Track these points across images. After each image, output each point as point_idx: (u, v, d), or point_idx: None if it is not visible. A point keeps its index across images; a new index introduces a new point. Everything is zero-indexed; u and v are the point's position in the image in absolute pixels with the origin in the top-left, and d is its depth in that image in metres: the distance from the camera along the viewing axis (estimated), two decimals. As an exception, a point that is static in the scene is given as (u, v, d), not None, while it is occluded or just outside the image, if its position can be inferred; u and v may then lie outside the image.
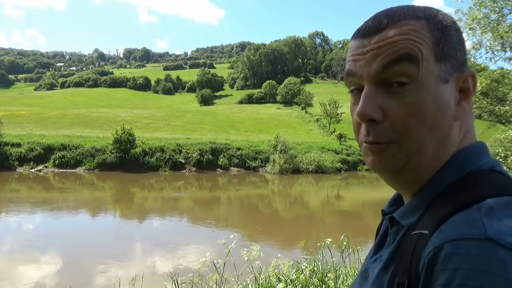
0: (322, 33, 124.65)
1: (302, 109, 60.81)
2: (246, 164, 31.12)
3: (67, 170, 27.76)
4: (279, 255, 4.64)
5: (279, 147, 29.93)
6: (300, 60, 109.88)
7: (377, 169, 0.62)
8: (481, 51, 7.99)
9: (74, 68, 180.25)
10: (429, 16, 0.60)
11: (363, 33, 0.62)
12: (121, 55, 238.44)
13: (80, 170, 27.96)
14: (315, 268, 4.35)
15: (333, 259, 4.77)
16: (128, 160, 28.73)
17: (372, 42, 0.60)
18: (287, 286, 3.92)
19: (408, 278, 0.53)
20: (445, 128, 0.59)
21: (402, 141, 0.59)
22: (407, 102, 0.58)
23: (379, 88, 0.60)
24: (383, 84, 0.59)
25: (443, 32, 0.60)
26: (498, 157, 9.91)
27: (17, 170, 27.07)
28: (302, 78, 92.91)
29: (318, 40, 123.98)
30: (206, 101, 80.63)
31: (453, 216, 0.52)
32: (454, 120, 0.60)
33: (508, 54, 7.85)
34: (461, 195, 0.55)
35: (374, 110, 0.59)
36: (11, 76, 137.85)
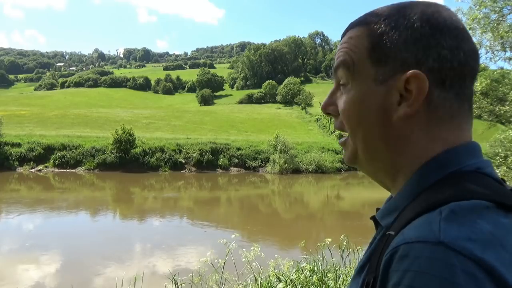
0: (322, 33, 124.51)
1: (302, 109, 60.79)
2: (246, 164, 31.10)
3: (67, 170, 27.76)
4: (277, 255, 4.64)
5: (279, 147, 29.91)
6: (300, 60, 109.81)
7: (345, 161, 0.71)
8: (481, 51, 7.99)
9: (74, 68, 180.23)
10: (375, 20, 0.63)
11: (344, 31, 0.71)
12: (121, 55, 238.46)
13: (80, 170, 27.95)
14: (315, 268, 4.35)
15: (333, 259, 4.77)
16: (128, 160, 28.72)
17: (341, 43, 0.70)
18: (287, 286, 3.92)
19: (374, 277, 0.54)
20: (382, 127, 0.62)
21: (349, 135, 0.67)
22: (344, 101, 0.66)
23: (338, 87, 0.69)
24: (339, 84, 0.69)
25: (382, 36, 0.61)
26: (498, 157, 9.92)
27: (17, 170, 27.06)
28: (302, 78, 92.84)
29: (318, 40, 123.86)
30: (206, 101, 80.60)
31: (416, 218, 0.52)
32: (394, 120, 0.61)
33: (508, 54, 7.85)
34: (430, 197, 0.55)
35: (329, 105, 0.70)
36: (11, 76, 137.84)
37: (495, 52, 7.87)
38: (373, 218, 0.70)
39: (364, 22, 0.64)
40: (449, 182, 0.56)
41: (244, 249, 4.32)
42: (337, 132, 39.74)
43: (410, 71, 0.59)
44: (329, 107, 0.70)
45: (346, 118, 0.66)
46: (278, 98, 72.58)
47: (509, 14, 7.58)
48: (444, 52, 0.59)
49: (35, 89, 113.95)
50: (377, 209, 0.73)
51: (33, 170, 27.28)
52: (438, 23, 0.60)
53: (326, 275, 4.14)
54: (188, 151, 30.46)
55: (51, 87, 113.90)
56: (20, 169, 27.15)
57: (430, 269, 0.45)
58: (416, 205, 0.55)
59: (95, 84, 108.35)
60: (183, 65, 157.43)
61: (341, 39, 0.70)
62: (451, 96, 0.60)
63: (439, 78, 0.59)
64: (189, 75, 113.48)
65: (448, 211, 0.50)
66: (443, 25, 0.60)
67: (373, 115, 0.62)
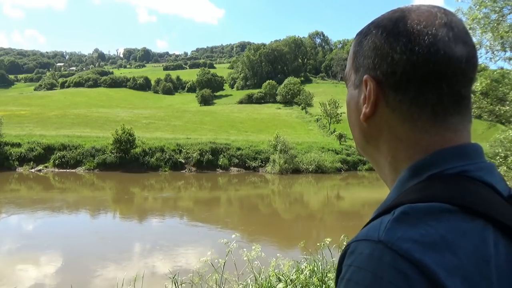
0: (322, 33, 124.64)
1: (302, 109, 60.82)
2: (246, 164, 31.11)
3: (67, 170, 27.76)
4: (279, 255, 4.64)
5: (279, 147, 29.92)
6: (300, 60, 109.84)
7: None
8: (481, 51, 8.00)
9: (74, 68, 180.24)
10: (361, 31, 0.69)
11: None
12: (121, 55, 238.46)
13: (80, 170, 27.96)
14: (315, 268, 4.35)
15: (333, 259, 4.77)
16: (128, 160, 28.73)
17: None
18: (287, 286, 3.92)
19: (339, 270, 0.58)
20: (359, 126, 0.68)
21: None
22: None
23: None
24: None
25: (359, 45, 0.68)
26: (498, 157, 9.91)
27: (17, 170, 27.07)
28: (302, 78, 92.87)
29: (318, 40, 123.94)
30: (206, 101, 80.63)
31: (376, 219, 0.55)
32: (364, 120, 0.66)
33: (508, 54, 7.86)
34: (396, 200, 0.56)
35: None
36: (11, 76, 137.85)
37: (495, 52, 7.88)
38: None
39: (358, 33, 0.70)
40: (421, 186, 0.56)
41: (244, 249, 4.32)
42: (337, 132, 39.80)
43: (366, 76, 0.64)
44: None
45: (348, 117, 0.75)
46: (278, 98, 72.61)
47: (509, 14, 7.59)
48: (397, 57, 0.59)
49: (35, 89, 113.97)
50: None
51: (33, 170, 27.29)
52: (395, 29, 0.61)
53: (326, 275, 4.14)
54: (188, 151, 30.46)
55: (51, 87, 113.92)
56: (20, 169, 27.16)
57: (366, 265, 0.49)
58: (380, 208, 0.58)
59: (95, 84, 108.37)
60: (183, 65, 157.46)
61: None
62: (406, 98, 0.60)
63: (393, 81, 0.60)
64: (189, 75, 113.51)
65: (399, 212, 0.51)
66: (401, 30, 0.60)
67: (353, 116, 0.70)
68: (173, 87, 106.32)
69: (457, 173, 0.57)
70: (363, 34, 0.67)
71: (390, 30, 0.62)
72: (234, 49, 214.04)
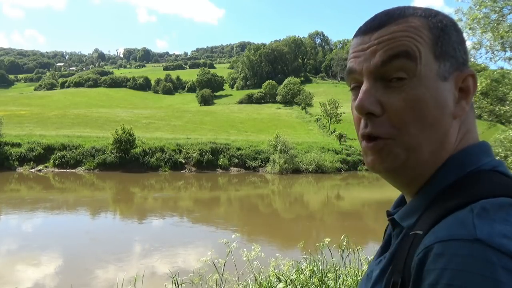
0: (322, 33, 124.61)
1: (302, 109, 60.81)
2: (246, 164, 31.11)
3: (67, 170, 27.76)
4: (278, 255, 4.64)
5: (279, 147, 29.92)
6: (300, 60, 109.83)
7: (377, 169, 0.62)
8: (481, 51, 8.00)
9: (74, 68, 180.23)
10: (429, 15, 0.62)
11: (364, 30, 0.64)
12: (121, 55, 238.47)
13: (80, 170, 27.96)
14: (315, 268, 4.34)
15: (333, 259, 4.76)
16: (128, 160, 28.73)
17: (372, 39, 0.61)
18: (287, 286, 3.92)
19: (402, 277, 0.53)
20: (444, 125, 0.60)
21: (400, 136, 0.59)
22: (405, 97, 0.58)
23: (379, 83, 0.61)
24: (382, 79, 0.60)
25: (442, 31, 0.61)
26: (498, 157, 9.91)
27: (17, 170, 27.08)
28: (302, 78, 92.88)
29: (318, 40, 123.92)
30: (206, 101, 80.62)
31: (446, 217, 0.52)
32: (453, 118, 0.61)
33: (508, 54, 7.85)
34: (456, 196, 0.55)
35: (372, 104, 0.60)
36: (11, 76, 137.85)
37: (495, 52, 7.88)
38: (391, 219, 0.67)
39: (423, 14, 0.62)
40: (471, 181, 0.57)
41: (244, 249, 4.32)
42: (337, 132, 39.70)
43: (469, 70, 0.62)
44: (372, 106, 0.60)
45: (410, 116, 0.59)
46: (278, 98, 72.61)
47: (509, 14, 7.59)
48: (468, 56, 0.64)
49: (35, 89, 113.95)
50: (387, 211, 0.71)
51: (33, 170, 27.29)
52: (459, 29, 0.64)
53: (326, 275, 4.13)
54: (188, 151, 30.47)
55: (51, 87, 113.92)
56: (20, 169, 27.16)
57: (470, 267, 0.45)
58: (441, 204, 0.55)
59: (95, 84, 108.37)
60: (183, 65, 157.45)
61: (375, 30, 0.62)
62: (472, 97, 0.64)
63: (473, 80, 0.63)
64: (189, 75, 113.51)
65: (480, 208, 0.50)
66: (460, 32, 0.64)
67: (439, 113, 0.59)
68: (173, 87, 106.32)
69: (490, 169, 0.59)
70: (440, 21, 0.62)
71: (461, 32, 0.64)
72: (234, 49, 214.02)
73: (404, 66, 0.59)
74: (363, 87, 0.61)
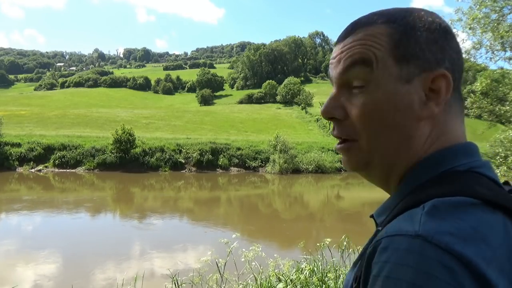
0: (322, 33, 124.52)
1: (302, 109, 60.78)
2: (246, 164, 31.10)
3: (67, 170, 27.76)
4: (278, 255, 4.64)
5: (279, 147, 29.91)
6: (300, 60, 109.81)
7: (348, 168, 0.68)
8: (481, 50, 8.00)
9: (74, 68, 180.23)
10: (394, 20, 0.62)
11: (337, 39, 0.68)
12: (121, 55, 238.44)
13: (80, 170, 27.96)
14: (315, 268, 4.35)
15: (333, 259, 4.77)
16: (128, 160, 28.72)
17: (340, 48, 0.66)
18: (287, 286, 3.92)
19: (361, 271, 0.55)
20: (407, 127, 0.61)
21: (361, 139, 0.63)
22: (363, 102, 0.62)
23: (343, 89, 0.65)
24: (346, 86, 0.65)
25: (405, 34, 0.61)
26: (498, 157, 9.90)
27: (17, 170, 27.06)
28: (302, 78, 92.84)
29: (318, 40, 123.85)
30: (206, 101, 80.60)
31: (402, 214, 0.54)
32: (418, 120, 0.61)
33: (508, 53, 7.85)
34: (418, 194, 0.56)
35: (335, 109, 0.65)
36: (11, 76, 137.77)
37: (495, 52, 7.88)
38: (372, 216, 0.71)
39: (381, 21, 0.63)
40: (440, 181, 0.57)
41: (244, 249, 4.32)
42: (337, 132, 39.76)
43: (439, 70, 0.60)
44: (334, 111, 0.65)
45: (367, 121, 0.62)
46: (278, 98, 72.57)
47: (509, 14, 7.59)
48: (453, 55, 0.62)
49: (35, 89, 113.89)
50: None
51: (33, 170, 27.28)
52: (446, 28, 0.63)
53: (326, 275, 4.14)
54: (188, 151, 30.46)
55: (51, 87, 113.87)
56: (20, 169, 27.15)
57: (407, 261, 0.47)
58: (403, 202, 0.57)
59: (95, 84, 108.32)
60: (183, 65, 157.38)
61: (342, 40, 0.66)
62: (457, 95, 0.63)
63: (453, 79, 0.62)
64: (189, 75, 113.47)
65: (430, 206, 0.51)
66: (449, 30, 0.64)
67: (397, 116, 0.61)
68: (173, 87, 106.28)
69: (467, 169, 0.59)
70: (405, 24, 0.62)
71: (443, 28, 0.62)
72: (234, 49, 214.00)
73: (360, 73, 0.62)
74: (331, 93, 0.67)
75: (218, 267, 4.17)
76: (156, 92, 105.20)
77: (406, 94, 0.60)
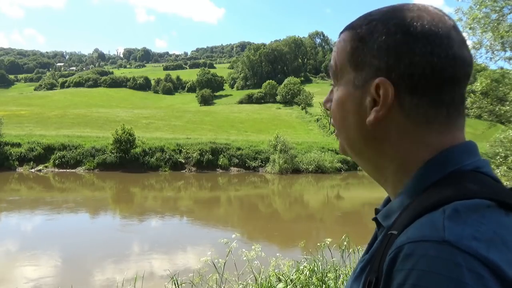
0: (322, 33, 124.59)
1: (302, 109, 60.80)
2: (246, 164, 31.10)
3: (67, 170, 27.76)
4: (278, 254, 4.64)
5: (279, 147, 29.90)
6: (300, 60, 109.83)
7: (341, 153, 0.75)
8: (481, 50, 8.00)
9: (74, 68, 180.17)
10: (360, 25, 0.64)
11: None
12: (121, 55, 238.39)
13: (80, 170, 27.96)
14: (315, 268, 4.35)
15: (333, 259, 4.77)
16: (128, 160, 28.72)
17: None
18: (287, 286, 3.92)
19: (376, 277, 0.54)
20: (362, 130, 0.64)
21: (336, 129, 0.72)
22: (333, 100, 0.70)
23: (335, 86, 0.72)
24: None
25: (361, 41, 0.63)
26: (498, 157, 9.91)
27: (17, 170, 27.06)
28: (302, 78, 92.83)
29: (318, 40, 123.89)
30: (206, 101, 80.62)
31: (420, 217, 0.52)
32: (371, 123, 0.62)
33: (508, 53, 7.86)
34: (433, 196, 0.55)
35: (327, 101, 0.73)
36: (11, 76, 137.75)
37: (495, 52, 7.88)
38: (374, 219, 0.69)
39: (351, 26, 0.66)
40: (450, 182, 0.57)
41: (244, 249, 4.32)
42: (337, 132, 39.80)
43: (378, 78, 0.60)
44: (327, 103, 0.74)
45: (333, 117, 0.70)
46: (278, 98, 72.59)
47: (509, 13, 7.59)
48: (416, 59, 0.58)
49: (35, 89, 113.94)
50: (376, 209, 0.73)
51: (33, 170, 27.28)
52: (413, 30, 0.59)
53: (326, 275, 4.14)
54: (188, 151, 30.46)
55: (51, 87, 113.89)
56: (20, 169, 27.15)
57: (436, 268, 0.45)
58: (418, 204, 0.55)
59: (95, 84, 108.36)
60: (183, 65, 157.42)
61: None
62: (424, 102, 0.60)
63: (410, 84, 0.59)
64: (189, 75, 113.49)
65: (451, 210, 0.50)
66: (419, 31, 0.59)
67: (351, 117, 0.66)
68: (173, 87, 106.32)
69: (472, 169, 0.59)
70: (365, 30, 0.63)
71: (407, 30, 0.59)
72: (234, 49, 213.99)
73: (332, 75, 0.70)
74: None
75: (216, 267, 4.17)
76: (156, 92, 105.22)
77: (356, 98, 0.64)
